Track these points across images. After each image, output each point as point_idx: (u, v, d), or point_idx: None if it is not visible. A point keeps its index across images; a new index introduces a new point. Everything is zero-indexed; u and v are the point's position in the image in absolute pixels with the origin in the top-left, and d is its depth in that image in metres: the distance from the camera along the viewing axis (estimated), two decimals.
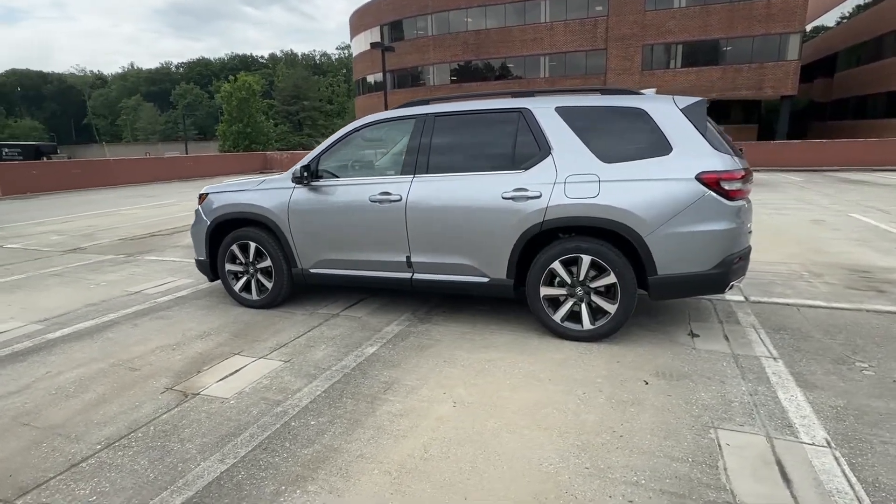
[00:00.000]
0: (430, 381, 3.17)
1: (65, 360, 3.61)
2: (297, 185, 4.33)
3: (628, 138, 3.58)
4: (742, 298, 4.62)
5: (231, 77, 47.61)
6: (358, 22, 45.40)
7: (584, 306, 3.68)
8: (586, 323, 3.67)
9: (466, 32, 37.32)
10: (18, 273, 6.34)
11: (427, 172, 3.98)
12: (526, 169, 3.70)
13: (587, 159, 3.58)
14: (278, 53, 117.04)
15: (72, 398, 3.06)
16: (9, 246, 8.26)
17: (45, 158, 36.05)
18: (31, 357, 3.70)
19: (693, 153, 3.41)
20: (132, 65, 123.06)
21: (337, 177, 4.32)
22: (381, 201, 4.03)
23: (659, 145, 3.46)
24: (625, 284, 3.51)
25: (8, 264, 6.88)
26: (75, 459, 2.45)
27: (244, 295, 4.72)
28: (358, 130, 4.31)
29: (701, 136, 3.43)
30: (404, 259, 4.09)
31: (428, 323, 4.19)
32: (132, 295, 5.24)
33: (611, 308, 3.61)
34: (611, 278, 3.55)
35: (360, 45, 45.36)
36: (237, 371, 3.38)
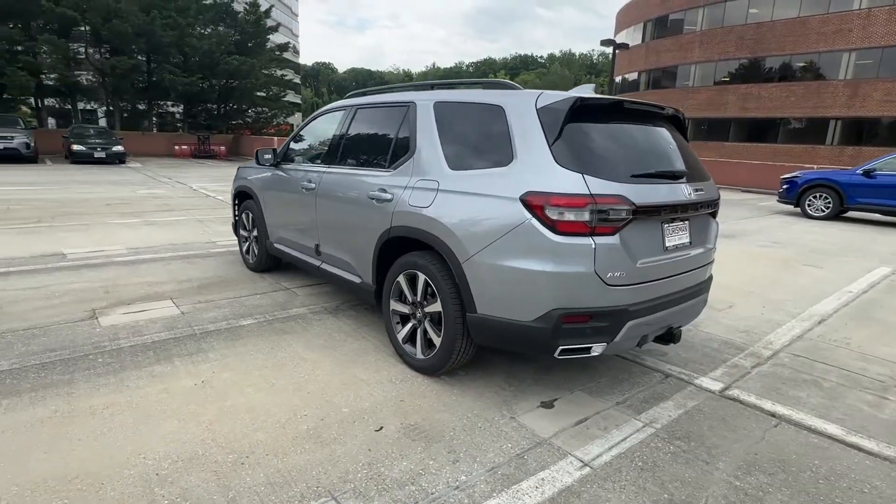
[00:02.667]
0: (230, 361, 3.30)
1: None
2: (270, 167, 4.83)
3: (479, 142, 2.93)
4: (716, 387, 3.22)
5: (490, 75, 51.33)
6: (622, 19, 43.37)
7: (419, 332, 3.21)
8: (418, 351, 3.20)
9: (744, 26, 31.88)
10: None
11: (337, 164, 3.98)
12: (394, 168, 3.38)
13: (438, 163, 3.08)
14: (557, 53, 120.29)
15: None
16: (218, 197, 11.11)
17: None
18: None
19: (532, 166, 2.60)
20: (433, 64, 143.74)
21: (293, 162, 4.65)
22: (305, 188, 4.22)
23: (504, 152, 2.74)
24: (447, 315, 2.94)
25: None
26: None
27: (245, 256, 5.53)
28: (314, 119, 4.55)
29: (546, 144, 2.58)
30: (314, 247, 4.20)
31: (326, 314, 4.22)
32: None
33: (437, 340, 3.06)
34: (437, 305, 3.01)
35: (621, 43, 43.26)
36: (148, 311, 4.11)
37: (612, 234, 2.51)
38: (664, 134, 3.04)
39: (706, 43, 34.00)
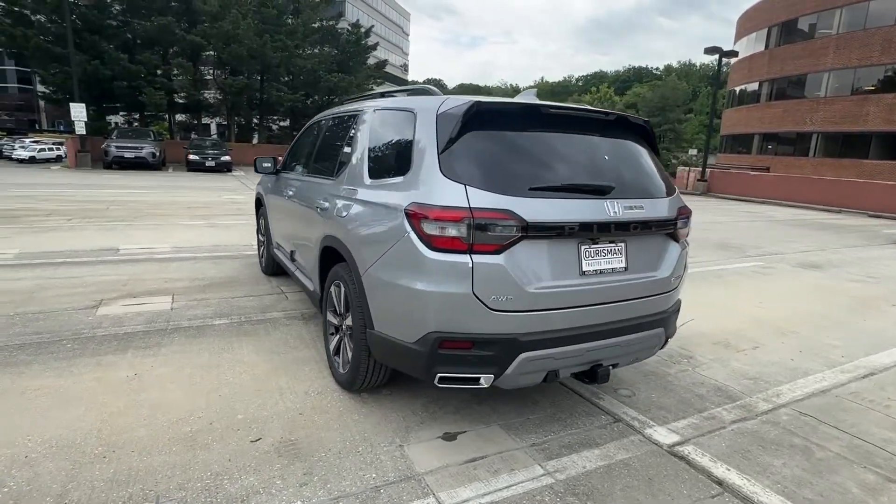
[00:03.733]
0: (174, 358, 3.46)
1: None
2: (271, 175, 5.03)
3: (393, 149, 2.79)
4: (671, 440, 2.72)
5: (593, 89, 49.75)
6: (744, 25, 39.80)
7: (343, 345, 3.11)
8: (340, 364, 3.11)
9: (892, 27, 27.66)
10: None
11: (307, 173, 4.05)
12: (336, 178, 3.35)
13: (362, 172, 2.99)
14: (675, 64, 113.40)
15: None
16: None
17: None
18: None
19: (421, 176, 2.41)
20: (542, 78, 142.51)
21: (288, 170, 4.80)
22: (287, 196, 4.34)
23: (407, 161, 2.57)
24: (355, 330, 2.82)
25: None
26: None
27: (260, 259, 5.82)
28: (303, 129, 4.68)
29: (436, 152, 2.37)
30: (290, 253, 4.30)
31: (298, 320, 4.27)
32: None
33: (350, 355, 2.95)
34: (350, 319, 2.90)
35: (741, 51, 39.68)
36: (145, 304, 4.47)
37: (496, 252, 2.23)
38: (599, 143, 2.67)
39: (843, 48, 29.99)
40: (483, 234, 2.21)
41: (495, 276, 2.23)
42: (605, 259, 2.51)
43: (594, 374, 2.57)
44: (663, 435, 2.79)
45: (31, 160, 26.37)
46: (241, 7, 24.09)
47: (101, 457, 2.33)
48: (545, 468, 2.44)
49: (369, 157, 2.97)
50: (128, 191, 13.16)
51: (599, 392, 3.26)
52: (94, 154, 20.41)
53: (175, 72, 24.50)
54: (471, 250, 2.22)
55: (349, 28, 30.08)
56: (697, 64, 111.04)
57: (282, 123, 32.06)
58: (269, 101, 26.97)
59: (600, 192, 2.47)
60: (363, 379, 2.87)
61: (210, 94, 27.14)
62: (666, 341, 2.90)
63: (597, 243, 2.48)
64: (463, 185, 2.25)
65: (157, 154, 20.23)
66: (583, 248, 2.44)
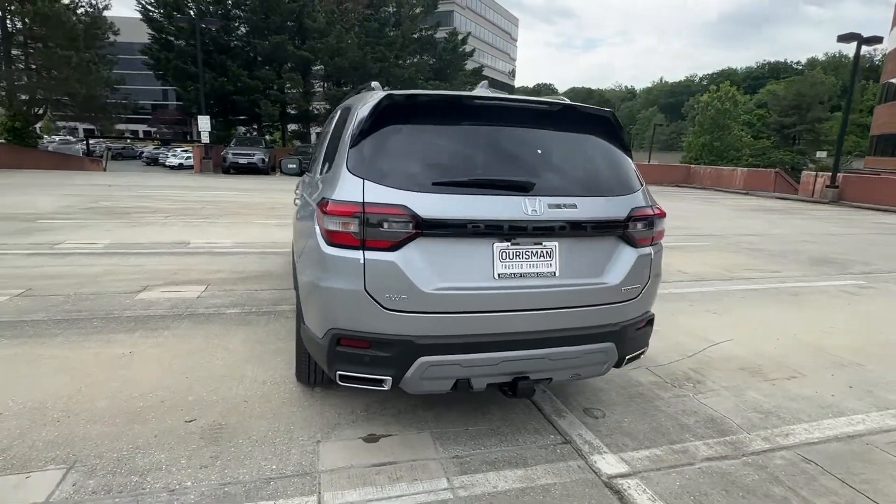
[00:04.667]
0: (171, 341, 3.78)
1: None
2: (299, 175, 5.28)
3: (333, 145, 2.78)
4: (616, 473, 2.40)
5: (713, 87, 45.83)
6: None
7: None
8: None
9: None
10: None
11: (312, 172, 4.19)
12: (311, 174, 3.44)
13: (317, 168, 3.05)
14: (821, 57, 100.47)
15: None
16: None
17: None
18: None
19: (336, 171, 2.38)
20: (661, 79, 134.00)
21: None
22: (296, 193, 4.55)
23: (334, 156, 2.57)
24: (297, 323, 2.87)
25: None
26: None
27: None
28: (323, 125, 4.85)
29: (348, 147, 2.34)
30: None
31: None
32: None
33: None
34: None
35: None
36: (180, 292, 4.95)
37: (390, 249, 2.14)
38: (538, 136, 2.44)
39: None
40: (375, 230, 2.13)
41: (389, 274, 2.14)
42: (528, 262, 2.29)
43: (515, 387, 2.35)
44: (610, 464, 2.47)
45: (180, 166, 30.63)
46: (346, 22, 25.75)
47: (56, 420, 2.61)
48: (452, 483, 2.28)
49: (324, 154, 3.01)
50: (231, 192, 14.64)
51: (565, 409, 2.98)
52: (215, 160, 23.00)
53: (288, 85, 26.83)
54: (363, 246, 2.15)
55: (447, 36, 30.77)
56: (850, 55, 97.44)
57: None
58: None
59: (520, 188, 2.26)
60: (306, 372, 2.90)
61: (318, 105, 29.29)
62: (624, 360, 2.57)
63: (517, 244, 2.27)
64: (361, 180, 2.20)
65: (266, 160, 22.28)
66: (497, 248, 2.25)
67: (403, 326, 2.17)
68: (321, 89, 29.59)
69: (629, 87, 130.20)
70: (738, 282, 6.31)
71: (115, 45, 27.17)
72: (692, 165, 30.93)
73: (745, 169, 25.61)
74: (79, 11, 24.67)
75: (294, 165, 5.05)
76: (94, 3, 25.54)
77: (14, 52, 23.74)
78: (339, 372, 2.27)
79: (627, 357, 2.58)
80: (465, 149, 2.36)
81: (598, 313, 2.42)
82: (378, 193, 2.15)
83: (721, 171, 26.89)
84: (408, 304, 2.16)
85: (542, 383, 2.47)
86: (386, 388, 2.26)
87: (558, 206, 2.28)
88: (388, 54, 26.63)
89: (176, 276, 5.45)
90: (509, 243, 2.26)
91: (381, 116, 2.30)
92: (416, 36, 29.15)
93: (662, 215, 2.61)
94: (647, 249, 2.55)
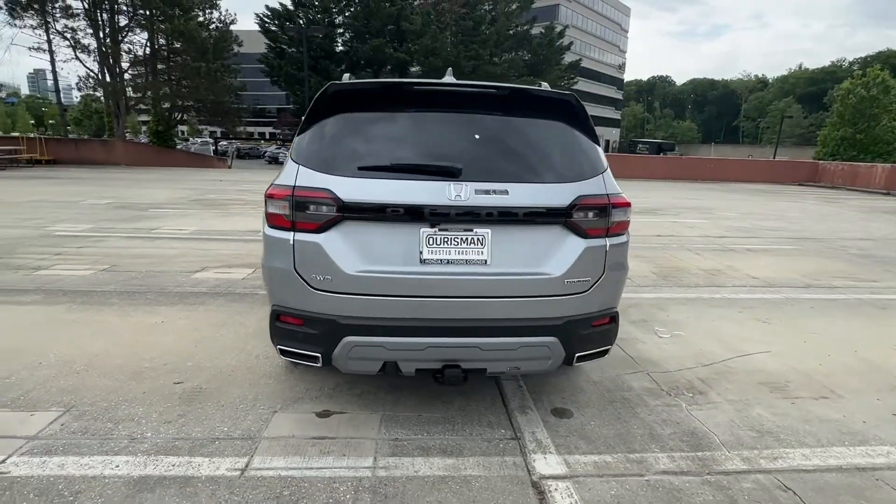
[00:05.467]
0: (199, 315, 4.22)
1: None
2: None
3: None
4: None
5: (857, 72, 39.93)
6: None
7: None
8: None
9: None
10: None
11: None
12: None
13: (288, 155, 3.21)
14: None
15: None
16: None
17: (662, 154, 44.48)
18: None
19: (286, 159, 2.53)
20: (800, 65, 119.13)
21: None
22: None
23: None
24: None
25: None
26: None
27: None
28: None
29: (296, 136, 2.48)
30: None
31: None
32: None
33: None
34: None
35: None
36: (229, 273, 5.49)
37: (316, 231, 2.24)
38: (480, 121, 2.38)
39: None
40: (303, 213, 2.24)
41: (314, 255, 2.24)
42: (457, 248, 2.26)
43: (443, 375, 2.33)
44: (549, 465, 2.36)
45: None
46: (441, 22, 26.32)
47: (76, 372, 3.07)
48: (377, 462, 2.34)
49: None
50: None
51: (532, 407, 2.88)
52: None
53: None
54: (293, 228, 2.28)
55: (542, 31, 30.14)
56: None
57: None
58: None
59: (447, 173, 2.24)
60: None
61: None
62: (574, 357, 2.43)
63: (445, 230, 2.25)
64: (298, 166, 2.32)
65: None
66: (424, 234, 2.25)
67: (328, 306, 2.27)
68: None
69: (759, 75, 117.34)
70: (816, 290, 5.52)
71: (237, 55, 30.33)
72: (821, 162, 27.23)
73: (888, 165, 21.95)
74: (210, 27, 27.92)
75: None
76: (223, 18, 28.76)
77: (159, 66, 27.51)
78: (279, 346, 2.43)
79: (578, 355, 2.43)
80: (399, 134, 2.39)
81: (537, 305, 2.32)
82: (307, 178, 2.26)
83: (857, 168, 23.38)
84: (332, 284, 2.24)
85: (475, 374, 2.42)
86: (318, 364, 2.37)
87: (486, 192, 2.22)
88: (482, 52, 26.76)
89: (234, 260, 6.03)
90: (436, 229, 2.25)
91: (325, 105, 2.41)
92: (511, 32, 28.94)
93: (623, 205, 2.42)
94: (601, 241, 2.38)
